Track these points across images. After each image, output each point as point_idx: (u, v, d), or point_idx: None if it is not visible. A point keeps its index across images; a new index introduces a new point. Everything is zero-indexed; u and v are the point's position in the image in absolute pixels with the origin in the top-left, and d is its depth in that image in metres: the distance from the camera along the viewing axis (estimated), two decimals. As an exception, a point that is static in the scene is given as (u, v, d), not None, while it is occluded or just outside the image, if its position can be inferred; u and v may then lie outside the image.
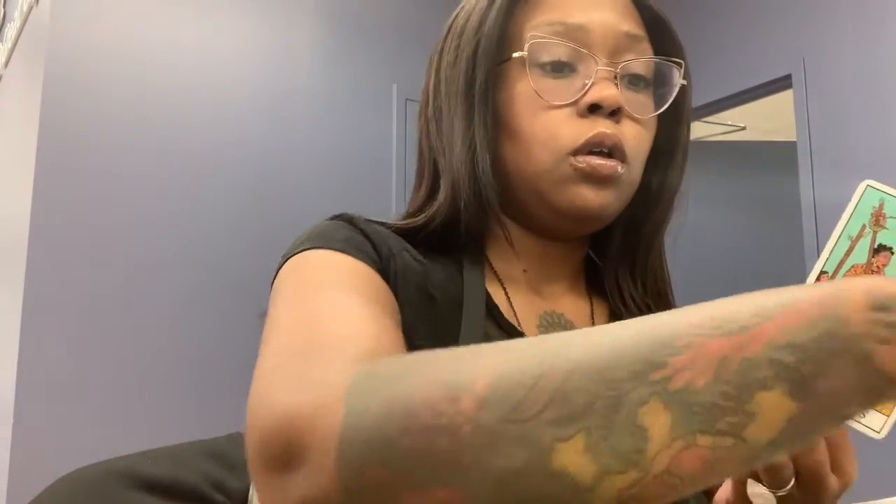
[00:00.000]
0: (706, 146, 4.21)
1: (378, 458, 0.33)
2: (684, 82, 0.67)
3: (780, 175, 3.38)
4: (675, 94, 0.66)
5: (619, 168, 0.62)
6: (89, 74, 2.63)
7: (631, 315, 0.67)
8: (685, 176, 0.70)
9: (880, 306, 0.30)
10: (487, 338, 0.60)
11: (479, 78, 0.64)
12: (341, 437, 0.34)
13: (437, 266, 0.64)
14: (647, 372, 0.30)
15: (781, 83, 3.00)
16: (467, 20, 0.67)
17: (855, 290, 0.31)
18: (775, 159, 3.64)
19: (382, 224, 0.65)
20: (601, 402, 0.30)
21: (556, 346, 0.33)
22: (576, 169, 0.61)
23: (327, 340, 0.44)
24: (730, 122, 4.39)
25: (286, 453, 0.36)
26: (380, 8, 3.20)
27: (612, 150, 0.61)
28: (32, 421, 2.39)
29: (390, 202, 3.16)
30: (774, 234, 3.58)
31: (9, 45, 3.41)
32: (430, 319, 0.59)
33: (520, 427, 0.31)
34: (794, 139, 2.93)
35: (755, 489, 0.51)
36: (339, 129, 3.09)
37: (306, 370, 0.41)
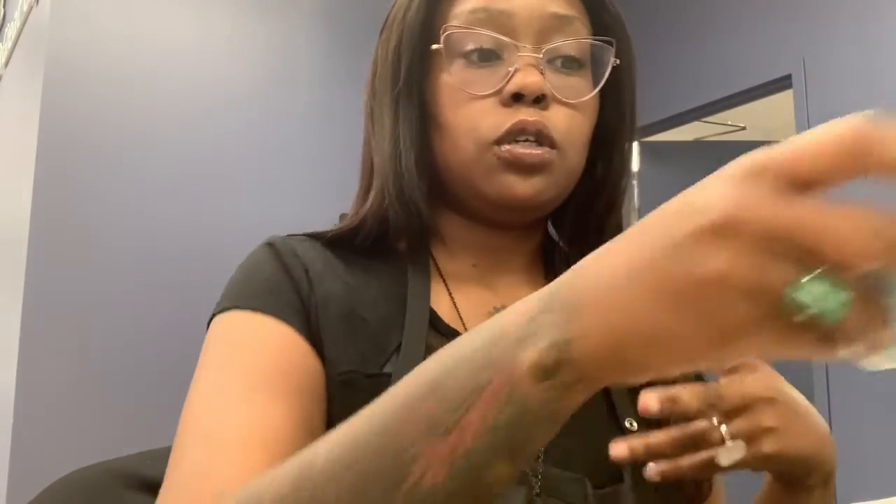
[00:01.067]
0: (706, 146, 4.21)
1: None
2: (617, 61, 0.63)
3: (780, 175, 3.37)
4: (606, 76, 0.63)
5: (547, 155, 0.59)
6: (89, 74, 2.63)
7: None
8: (631, 160, 0.68)
9: (545, 375, 0.33)
10: (429, 349, 0.58)
11: (403, 69, 0.62)
12: None
13: (372, 278, 0.62)
14: (396, 484, 0.35)
15: (781, 83, 3.00)
16: (396, 12, 0.66)
17: (521, 364, 0.33)
18: (775, 159, 3.63)
19: (316, 237, 0.64)
20: None
21: (313, 473, 0.38)
22: (499, 158, 0.59)
23: (189, 481, 0.50)
24: (730, 122, 4.39)
25: None
26: (379, 8, 3.20)
27: (537, 137, 0.59)
28: (32, 421, 2.39)
29: (390, 202, 3.15)
30: (774, 234, 3.58)
31: (9, 45, 3.41)
32: (358, 344, 0.58)
33: None
34: (794, 139, 2.93)
35: None
36: (338, 130, 3.09)
37: None
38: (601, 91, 0.64)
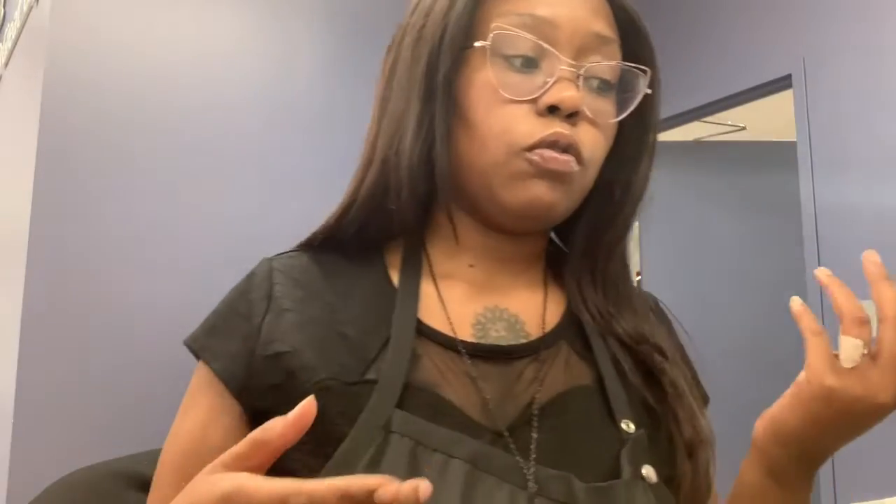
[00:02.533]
0: (706, 146, 4.21)
1: None
2: (648, 91, 0.64)
3: (780, 175, 3.37)
4: (636, 103, 0.64)
5: (574, 165, 0.60)
6: (89, 74, 2.63)
7: (591, 316, 0.65)
8: (648, 184, 0.68)
9: None
10: (415, 354, 0.58)
11: (444, 65, 0.61)
12: None
13: (357, 288, 0.62)
14: None
15: (781, 83, 3.00)
16: (432, 4, 0.64)
17: None
18: (775, 159, 3.63)
19: (308, 246, 0.66)
20: None
21: None
22: (530, 163, 0.59)
23: None
24: (730, 122, 4.38)
25: None
26: (380, 8, 3.20)
27: (566, 150, 0.60)
28: (32, 421, 2.39)
29: (390, 202, 3.15)
30: (774, 234, 3.58)
31: (9, 45, 3.41)
32: (338, 357, 0.58)
33: None
34: (794, 139, 2.93)
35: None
36: (338, 130, 3.09)
37: None
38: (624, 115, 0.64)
